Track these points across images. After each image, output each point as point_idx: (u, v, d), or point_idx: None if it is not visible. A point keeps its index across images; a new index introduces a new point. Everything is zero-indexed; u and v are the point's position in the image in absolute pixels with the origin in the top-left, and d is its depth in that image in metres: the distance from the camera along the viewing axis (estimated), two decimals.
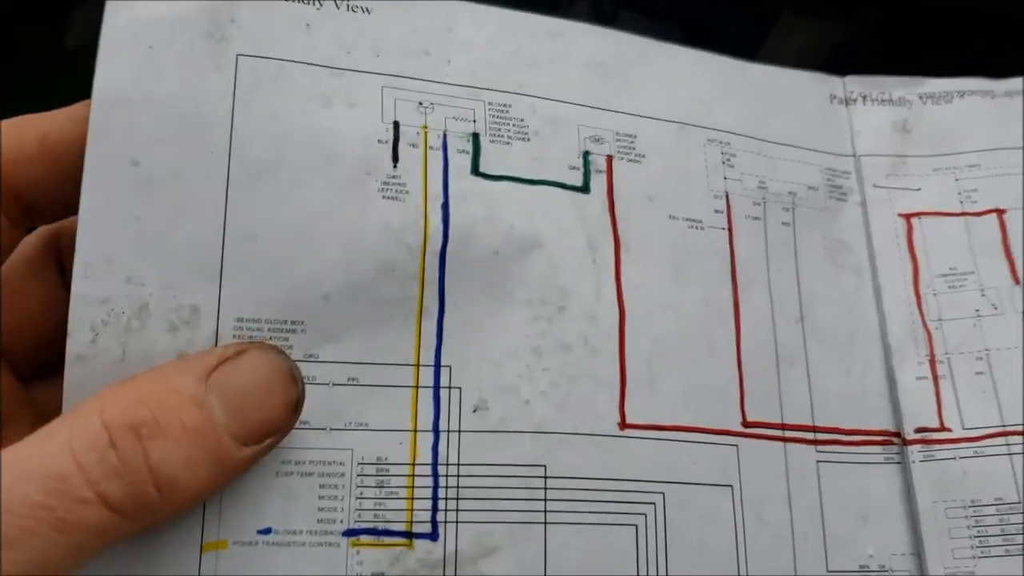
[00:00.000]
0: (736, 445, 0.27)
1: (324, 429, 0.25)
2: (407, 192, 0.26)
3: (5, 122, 0.24)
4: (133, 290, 0.24)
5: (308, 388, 0.24)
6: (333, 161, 0.26)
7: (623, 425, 0.26)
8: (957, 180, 0.31)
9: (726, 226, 0.29)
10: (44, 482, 0.19)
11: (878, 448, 0.29)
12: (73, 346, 0.23)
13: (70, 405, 0.23)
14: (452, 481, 0.25)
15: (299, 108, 0.26)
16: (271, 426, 0.22)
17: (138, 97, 0.24)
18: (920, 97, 0.33)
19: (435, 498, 0.24)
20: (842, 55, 0.40)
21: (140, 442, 0.20)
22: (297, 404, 0.23)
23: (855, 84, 0.33)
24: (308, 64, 0.26)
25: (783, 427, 0.28)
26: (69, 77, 0.26)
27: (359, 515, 0.24)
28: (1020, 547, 0.28)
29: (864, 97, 0.32)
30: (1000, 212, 0.31)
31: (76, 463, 0.19)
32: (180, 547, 0.23)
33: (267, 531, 0.24)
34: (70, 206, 0.24)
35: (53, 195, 0.24)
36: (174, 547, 0.23)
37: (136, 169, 0.24)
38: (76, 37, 0.30)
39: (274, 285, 0.25)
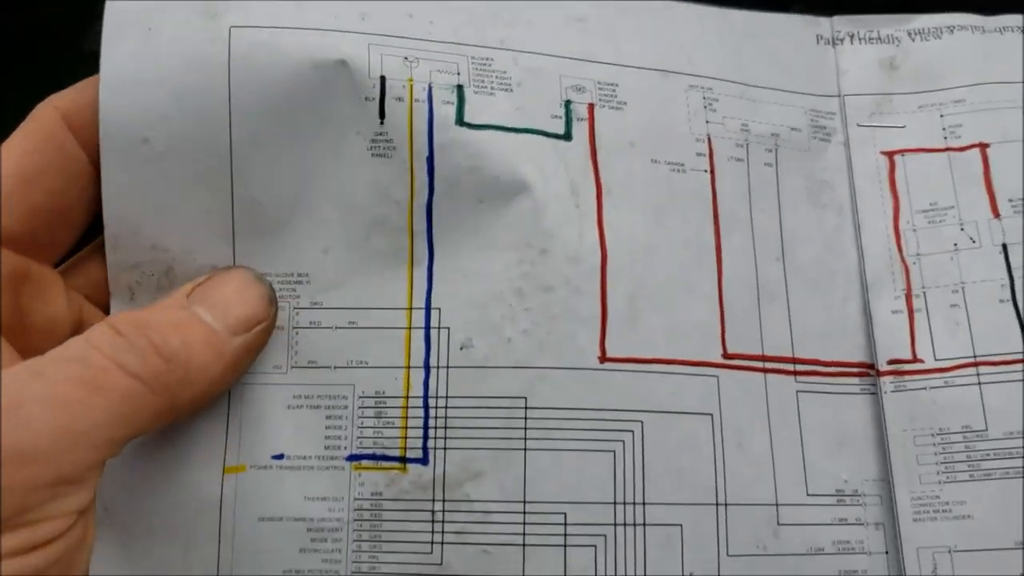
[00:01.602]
0: (716, 376, 0.29)
1: (329, 367, 0.28)
2: (394, 148, 0.28)
3: (74, 86, 0.27)
4: (158, 255, 0.27)
5: (314, 331, 0.28)
6: (325, 123, 0.28)
7: (603, 359, 0.28)
8: (942, 116, 0.32)
9: (708, 168, 0.31)
10: (74, 360, 0.23)
11: (855, 379, 0.31)
12: (115, 304, 0.27)
13: None
14: (441, 412, 0.27)
15: (291, 72, 0.27)
16: (254, 317, 0.26)
17: (141, 78, 0.27)
18: (909, 34, 0.33)
19: (425, 427, 0.27)
20: None
21: (140, 329, 0.24)
22: (271, 298, 0.27)
23: (843, 24, 0.34)
24: (298, 28, 0.28)
25: (764, 359, 0.30)
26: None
27: (360, 442, 0.27)
28: (984, 472, 0.29)
29: (851, 36, 0.33)
30: (984, 146, 0.32)
31: (94, 347, 0.23)
32: (204, 471, 0.27)
33: (280, 456, 0.27)
34: None
35: None
36: (199, 471, 0.27)
37: (147, 146, 0.27)
38: (93, 41, 0.32)
39: (280, 243, 0.28)
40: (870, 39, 0.33)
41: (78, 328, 0.27)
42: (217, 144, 0.27)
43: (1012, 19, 0.33)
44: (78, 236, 0.28)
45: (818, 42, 0.33)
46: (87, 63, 0.28)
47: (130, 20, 0.27)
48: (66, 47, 0.36)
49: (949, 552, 0.29)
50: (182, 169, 0.27)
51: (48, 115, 0.26)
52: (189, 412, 0.26)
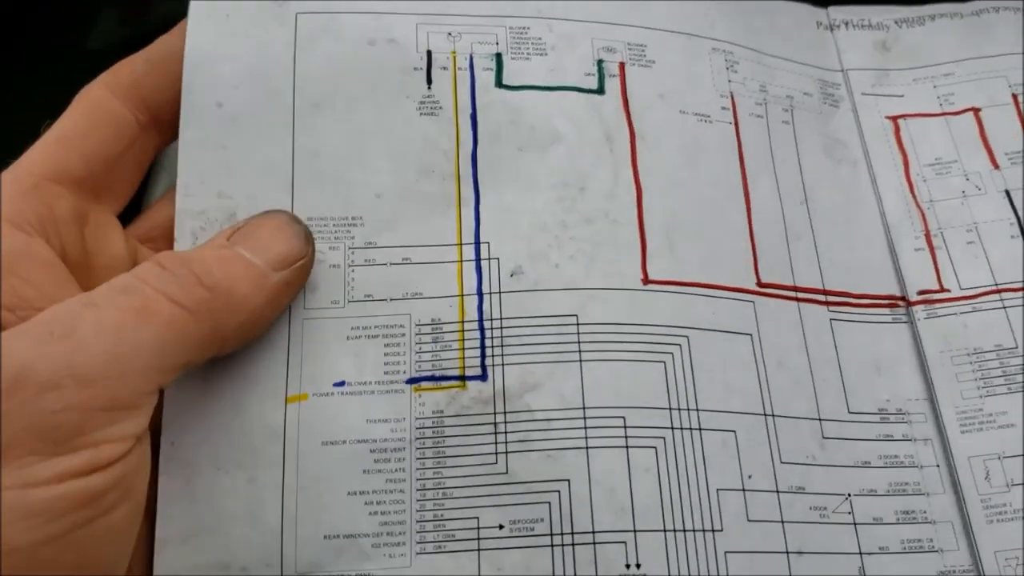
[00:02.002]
0: (752, 302, 0.30)
1: (385, 299, 0.29)
2: (440, 108, 0.31)
3: (119, 63, 0.30)
4: (223, 202, 0.29)
5: (369, 268, 0.29)
6: (378, 90, 0.31)
7: (646, 281, 0.29)
8: (935, 87, 0.35)
9: (732, 121, 0.33)
10: (121, 290, 0.24)
11: (885, 310, 0.32)
12: (179, 248, 0.29)
13: None
14: (496, 332, 0.28)
15: (348, 49, 0.31)
16: (292, 254, 0.27)
17: (219, 54, 0.30)
18: (896, 22, 0.37)
19: (482, 347, 0.28)
20: None
21: (184, 263, 0.25)
22: (307, 236, 0.28)
23: (837, 13, 0.37)
24: (354, 13, 0.32)
25: (796, 289, 0.31)
26: (92, 78, 0.29)
27: (419, 366, 0.28)
28: (1021, 384, 0.30)
29: (846, 23, 0.37)
30: (976, 110, 0.35)
31: (140, 280, 0.24)
32: (267, 400, 0.28)
33: (341, 384, 0.28)
34: None
35: (174, 99, 0.30)
36: (262, 402, 0.28)
37: (220, 110, 0.30)
38: (99, 39, 0.33)
39: (335, 190, 0.30)
40: (863, 26, 0.37)
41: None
42: (281, 108, 0.30)
43: (984, 4, 0.37)
44: (133, 189, 0.30)
45: (818, 27, 0.37)
46: (93, 60, 0.30)
47: (211, 8, 0.31)
48: (72, 45, 0.38)
49: (999, 459, 0.29)
50: (249, 128, 0.30)
51: (93, 89, 0.29)
52: (235, 342, 0.27)
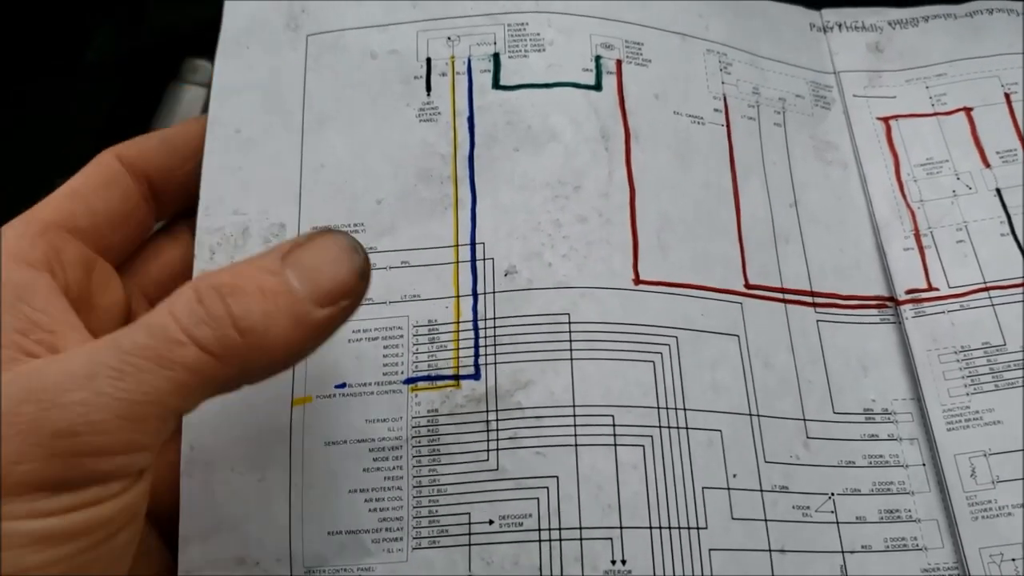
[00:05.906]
0: (740, 303, 0.29)
1: (384, 302, 0.28)
2: (439, 113, 0.30)
3: (139, 136, 0.30)
4: (237, 219, 0.29)
5: (371, 273, 0.28)
6: (379, 100, 0.30)
7: (637, 281, 0.28)
8: (927, 87, 0.34)
9: (724, 123, 0.32)
10: (148, 328, 0.22)
11: (873, 311, 0.31)
12: (198, 264, 0.28)
13: None
14: (490, 332, 0.27)
15: (353, 64, 0.31)
16: (342, 289, 0.24)
17: (239, 86, 0.30)
18: (889, 23, 0.35)
19: (476, 346, 0.27)
20: None
21: (221, 298, 0.23)
22: (363, 272, 0.25)
23: (831, 15, 0.35)
24: (359, 28, 0.31)
25: (783, 291, 0.30)
26: (89, 92, 0.29)
27: (416, 366, 0.27)
28: (1007, 382, 0.29)
29: (839, 25, 0.35)
30: (968, 110, 0.33)
31: (171, 315, 0.22)
32: (274, 404, 0.27)
33: (342, 385, 0.27)
34: (190, 190, 0.30)
35: (176, 180, 0.30)
36: (269, 404, 0.27)
37: (239, 135, 0.30)
38: (96, 53, 0.32)
39: (339, 199, 0.29)
40: (856, 27, 0.35)
41: (129, 314, 0.28)
42: (291, 126, 0.30)
43: (978, 5, 0.35)
44: (133, 247, 0.29)
45: (811, 29, 0.35)
46: (90, 73, 0.29)
47: (233, 44, 0.31)
48: (70, 59, 0.36)
49: (985, 455, 0.28)
50: (263, 149, 0.30)
51: (107, 152, 0.29)
52: (261, 378, 0.24)
